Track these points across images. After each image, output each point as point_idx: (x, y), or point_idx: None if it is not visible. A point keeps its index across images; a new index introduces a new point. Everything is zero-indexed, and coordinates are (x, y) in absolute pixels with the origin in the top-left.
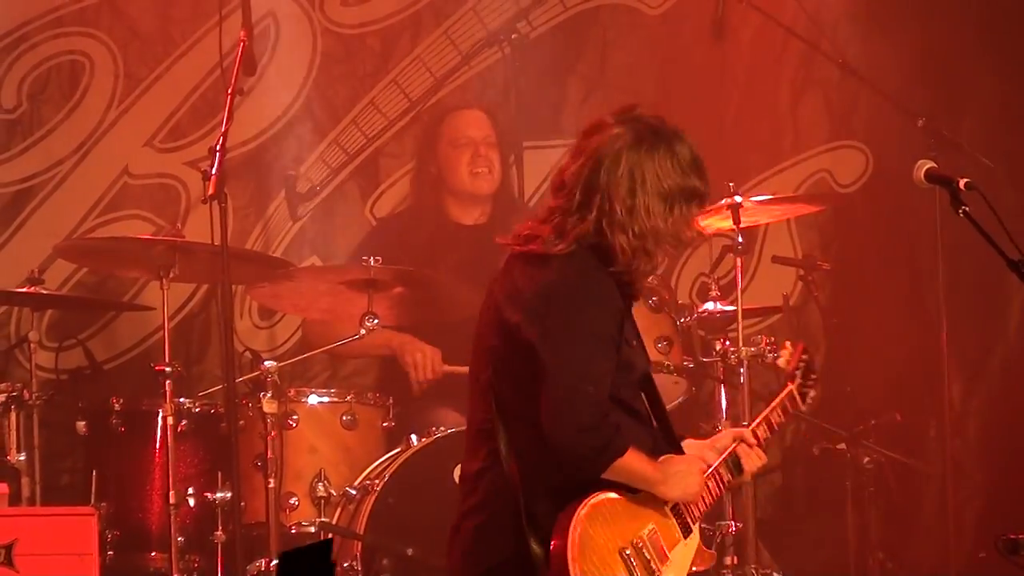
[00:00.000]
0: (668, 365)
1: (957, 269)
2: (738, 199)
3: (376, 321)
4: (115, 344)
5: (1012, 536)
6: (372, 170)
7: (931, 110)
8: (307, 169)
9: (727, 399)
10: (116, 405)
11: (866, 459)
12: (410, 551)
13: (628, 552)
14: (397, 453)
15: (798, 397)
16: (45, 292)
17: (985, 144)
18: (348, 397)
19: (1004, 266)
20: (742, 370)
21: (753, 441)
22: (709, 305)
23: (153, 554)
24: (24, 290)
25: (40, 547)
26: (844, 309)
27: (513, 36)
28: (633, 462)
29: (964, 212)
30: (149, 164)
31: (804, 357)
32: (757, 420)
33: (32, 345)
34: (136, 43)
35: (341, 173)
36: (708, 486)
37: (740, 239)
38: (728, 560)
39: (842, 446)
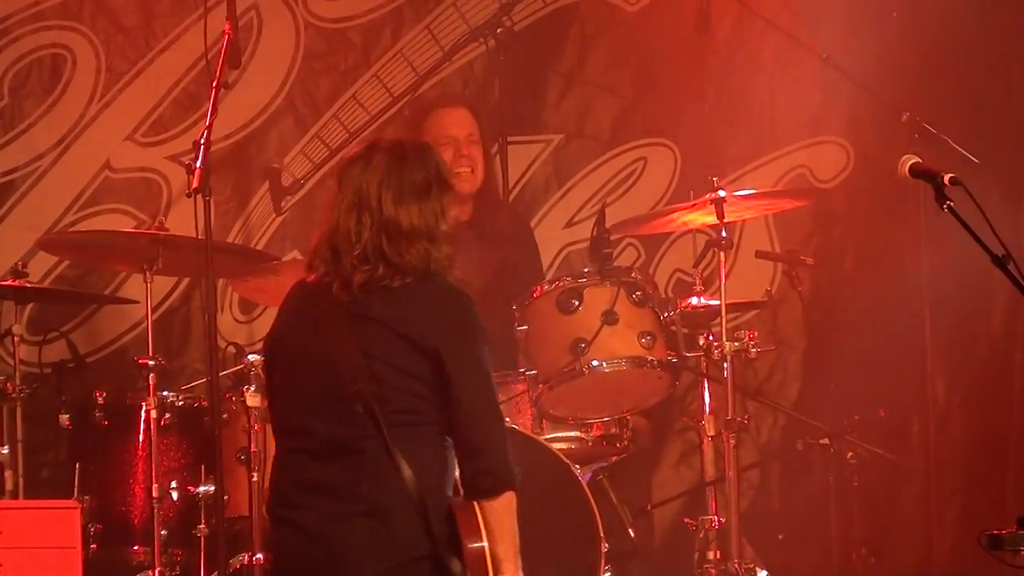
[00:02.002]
0: (651, 360)
1: (941, 264)
2: (722, 194)
3: None
4: (97, 338)
5: (995, 531)
6: None
7: (914, 105)
8: (289, 163)
9: (710, 394)
10: (99, 399)
11: (849, 454)
12: None
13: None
14: None
15: None
16: (29, 285)
17: (969, 139)
18: None
19: (988, 262)
20: (725, 365)
21: None
22: (693, 300)
23: (136, 548)
24: (8, 283)
25: (23, 540)
26: (826, 305)
27: (499, 31)
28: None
29: (949, 207)
30: (131, 158)
31: None
32: None
33: (15, 338)
34: (118, 37)
35: (323, 168)
36: None
37: (724, 233)
38: (711, 555)
39: (825, 441)
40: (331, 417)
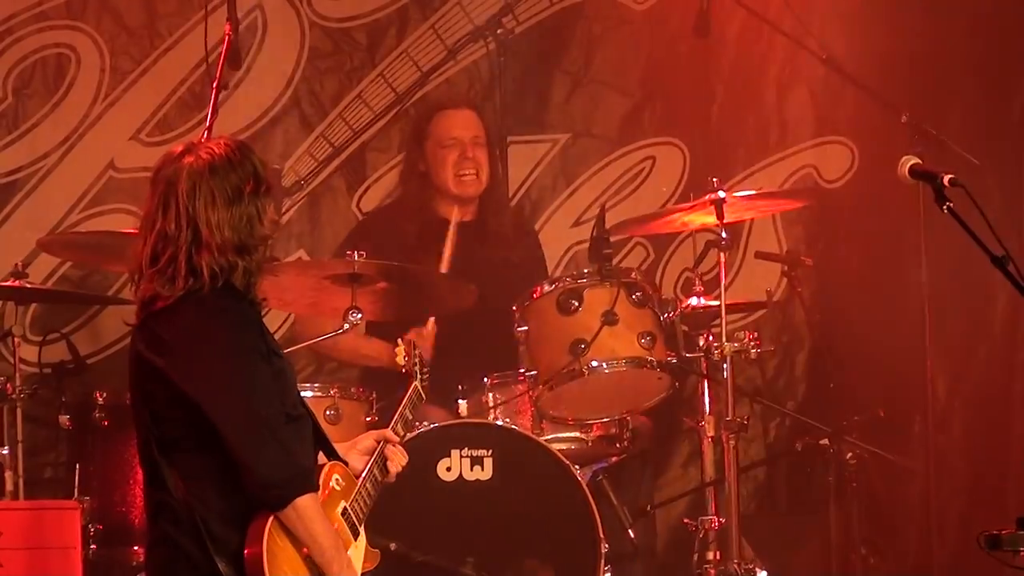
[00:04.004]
0: (651, 361)
1: (941, 265)
2: (721, 194)
3: (360, 315)
4: (98, 338)
5: (995, 532)
6: (359, 164)
7: (915, 106)
8: (293, 163)
9: (710, 395)
10: (100, 399)
11: (849, 455)
12: (393, 546)
13: (311, 556)
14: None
15: (421, 390)
16: (29, 286)
17: (969, 140)
18: (332, 391)
19: (988, 262)
20: (725, 365)
21: (396, 439)
22: (693, 300)
23: (136, 548)
24: (8, 284)
25: (23, 541)
26: (828, 305)
27: (499, 31)
28: (317, 504)
29: (948, 208)
30: (135, 158)
31: (416, 352)
32: (395, 419)
33: (16, 339)
34: (122, 37)
35: (328, 167)
36: (367, 487)
37: (724, 234)
38: (711, 555)
39: (825, 441)
40: (141, 453)
